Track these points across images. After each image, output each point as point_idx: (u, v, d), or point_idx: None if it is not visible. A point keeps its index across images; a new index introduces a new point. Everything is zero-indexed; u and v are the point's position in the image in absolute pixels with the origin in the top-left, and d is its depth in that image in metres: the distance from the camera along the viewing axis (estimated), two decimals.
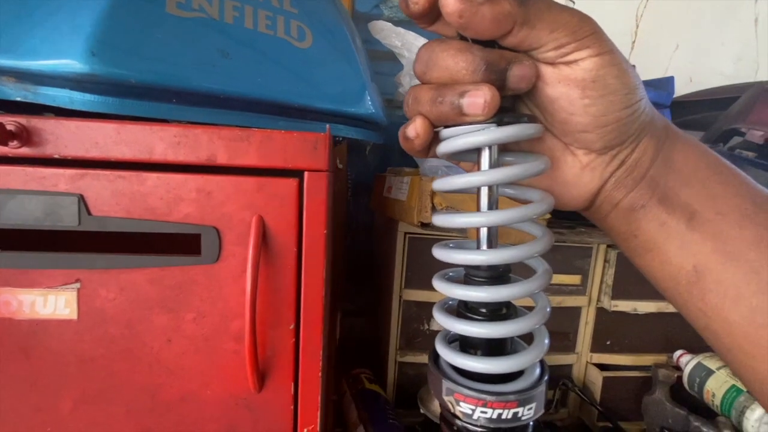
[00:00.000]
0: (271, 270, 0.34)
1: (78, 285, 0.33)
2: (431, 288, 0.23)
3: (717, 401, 0.57)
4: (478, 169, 0.21)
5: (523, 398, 0.21)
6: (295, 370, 0.36)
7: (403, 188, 0.58)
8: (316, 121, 0.41)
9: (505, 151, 0.24)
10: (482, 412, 0.21)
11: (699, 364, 0.61)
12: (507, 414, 0.21)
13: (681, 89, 0.98)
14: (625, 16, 1.03)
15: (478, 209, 0.21)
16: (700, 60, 1.06)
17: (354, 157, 0.93)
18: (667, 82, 0.87)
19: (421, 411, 0.56)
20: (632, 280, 0.66)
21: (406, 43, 0.56)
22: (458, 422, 0.22)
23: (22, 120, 0.30)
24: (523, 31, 0.18)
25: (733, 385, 0.55)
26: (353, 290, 0.93)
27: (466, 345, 0.23)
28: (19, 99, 0.31)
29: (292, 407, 0.36)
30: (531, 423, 0.22)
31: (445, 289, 0.22)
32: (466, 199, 0.51)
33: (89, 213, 0.32)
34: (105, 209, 0.32)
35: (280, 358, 0.36)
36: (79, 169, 0.32)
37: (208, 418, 0.36)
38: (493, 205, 0.21)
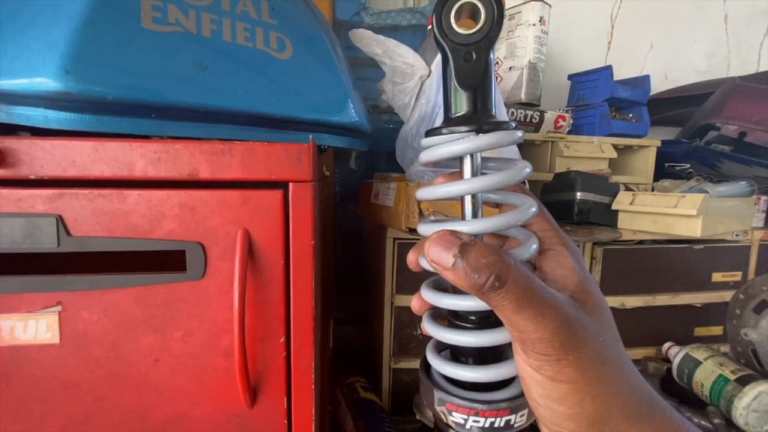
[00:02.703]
0: (259, 283, 0.34)
1: (59, 308, 0.32)
2: None
3: (706, 391, 0.58)
4: (461, 177, 0.21)
5: (514, 405, 0.21)
6: (288, 384, 0.36)
7: (390, 194, 0.58)
8: (300, 131, 0.41)
9: (487, 158, 0.24)
10: (474, 421, 0.21)
11: (687, 355, 0.62)
12: (499, 422, 0.21)
13: (656, 87, 1.00)
14: (601, 18, 1.05)
15: (463, 217, 0.21)
16: (674, 58, 1.10)
17: (340, 163, 0.93)
18: (644, 81, 0.89)
19: (417, 417, 0.56)
20: (619, 275, 0.67)
21: (387, 50, 0.56)
22: None
23: None
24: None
25: (721, 375, 0.57)
26: (344, 298, 0.92)
27: (457, 353, 0.23)
28: None
29: (285, 422, 0.36)
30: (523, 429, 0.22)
31: (434, 299, 0.22)
32: (454, 204, 0.51)
33: (68, 234, 0.31)
34: (85, 229, 0.31)
35: (271, 373, 0.35)
36: (57, 189, 0.31)
37: None
38: (477, 212, 0.21)
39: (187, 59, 0.34)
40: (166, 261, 0.33)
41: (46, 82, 0.29)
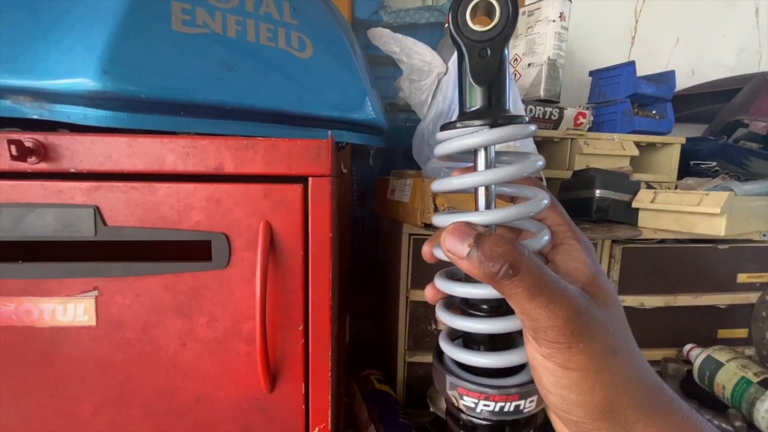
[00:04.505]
0: (280, 273, 0.36)
1: (96, 293, 0.34)
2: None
3: (727, 393, 0.56)
4: (475, 169, 0.22)
5: (524, 391, 0.21)
6: (306, 370, 0.37)
7: (406, 190, 0.59)
8: (319, 128, 0.42)
9: (501, 151, 0.24)
10: (485, 405, 0.21)
11: (708, 357, 0.61)
12: (509, 407, 0.21)
13: (683, 83, 0.98)
14: (624, 12, 1.03)
15: (477, 209, 0.22)
16: (702, 53, 1.06)
17: (358, 161, 0.95)
18: (668, 76, 0.87)
19: (431, 410, 0.57)
20: (638, 275, 0.66)
21: (405, 48, 0.57)
22: (463, 416, 0.23)
23: (40, 137, 0.32)
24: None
25: (743, 377, 0.55)
26: (360, 294, 0.94)
27: (469, 341, 0.23)
28: (35, 117, 0.33)
29: (303, 407, 0.37)
30: (534, 415, 0.22)
31: (447, 287, 0.23)
32: (468, 199, 0.52)
33: (105, 223, 0.33)
34: (119, 219, 0.34)
35: (290, 359, 0.37)
36: (94, 182, 0.33)
37: (222, 420, 0.37)
38: (490, 204, 0.22)
39: (213, 59, 0.36)
40: (193, 250, 0.35)
41: (85, 82, 0.31)
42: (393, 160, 0.95)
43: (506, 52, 0.21)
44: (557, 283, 0.19)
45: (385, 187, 0.71)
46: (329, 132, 0.37)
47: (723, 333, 0.69)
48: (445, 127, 0.22)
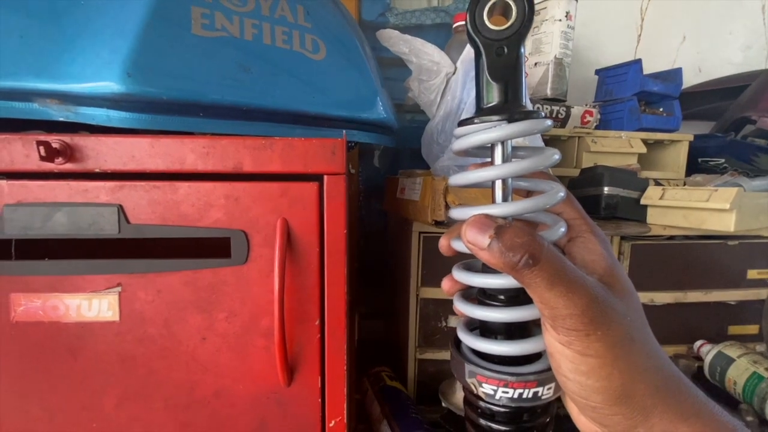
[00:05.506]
0: (297, 269, 0.36)
1: (119, 289, 0.35)
2: None
3: (739, 389, 0.56)
4: (492, 164, 0.23)
5: (542, 378, 0.22)
6: (322, 364, 0.38)
7: (416, 189, 0.59)
8: (332, 127, 0.43)
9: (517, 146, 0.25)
10: (504, 392, 0.22)
11: (719, 353, 0.61)
12: (527, 393, 0.22)
13: (690, 80, 0.97)
14: (630, 10, 1.03)
15: (493, 202, 0.23)
16: (708, 50, 1.06)
17: (364, 162, 0.96)
18: (675, 74, 0.87)
19: (443, 405, 0.57)
20: (647, 271, 0.66)
21: (414, 48, 0.58)
22: (482, 403, 0.23)
23: (66, 138, 0.33)
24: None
25: (755, 372, 0.55)
26: (367, 294, 0.94)
27: (487, 330, 0.24)
28: (62, 119, 0.34)
29: (319, 400, 0.38)
30: (551, 402, 0.23)
31: (465, 278, 0.23)
32: (478, 196, 0.52)
33: (128, 221, 0.34)
34: (142, 217, 0.35)
35: (307, 354, 0.38)
36: (118, 181, 0.34)
37: (240, 413, 0.38)
38: (507, 198, 0.23)
39: (231, 62, 0.37)
40: (212, 247, 0.36)
41: (110, 85, 0.32)
42: (399, 160, 0.96)
43: (522, 49, 0.22)
44: (575, 273, 0.20)
45: (394, 186, 0.72)
46: (344, 131, 0.38)
47: (734, 329, 0.69)
48: (462, 123, 0.23)
